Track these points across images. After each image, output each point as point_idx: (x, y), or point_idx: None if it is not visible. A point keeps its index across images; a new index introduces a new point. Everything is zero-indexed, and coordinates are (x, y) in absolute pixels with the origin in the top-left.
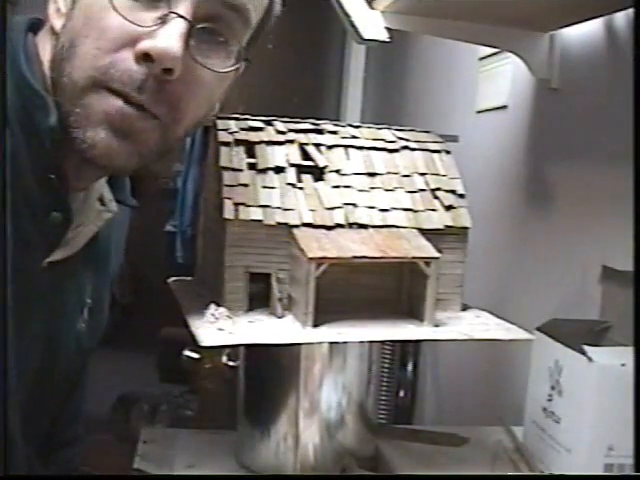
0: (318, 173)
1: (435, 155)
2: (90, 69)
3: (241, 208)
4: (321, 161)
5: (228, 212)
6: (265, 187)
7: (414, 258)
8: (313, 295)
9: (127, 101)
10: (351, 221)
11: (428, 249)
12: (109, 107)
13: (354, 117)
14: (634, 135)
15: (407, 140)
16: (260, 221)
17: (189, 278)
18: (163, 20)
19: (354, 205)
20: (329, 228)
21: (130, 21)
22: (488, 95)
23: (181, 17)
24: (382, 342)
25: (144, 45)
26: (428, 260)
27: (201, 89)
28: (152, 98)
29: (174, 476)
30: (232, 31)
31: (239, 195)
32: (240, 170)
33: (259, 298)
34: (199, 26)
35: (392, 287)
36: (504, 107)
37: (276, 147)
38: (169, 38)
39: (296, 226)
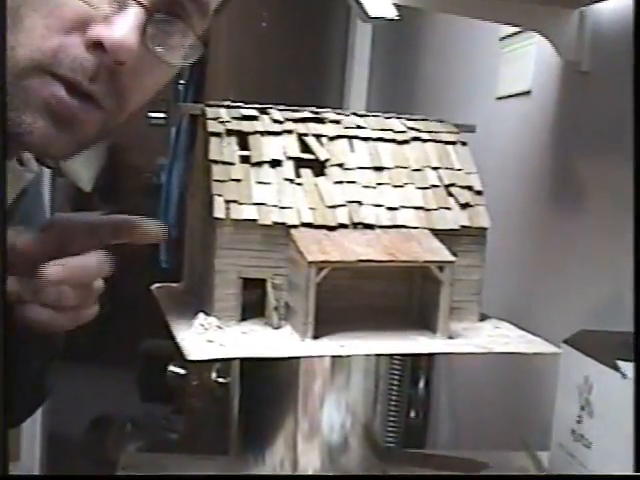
0: (319, 167)
1: (449, 147)
2: (36, 51)
3: (233, 206)
4: (322, 154)
5: (218, 210)
6: (260, 183)
7: (426, 262)
8: (313, 303)
9: (73, 90)
10: (356, 221)
11: (441, 252)
12: (52, 95)
13: (359, 105)
14: (634, 135)
15: (418, 130)
16: (254, 221)
17: (174, 284)
18: (120, 4)
19: (359, 203)
20: (331, 228)
21: (84, 1)
22: (510, 79)
23: (140, 4)
24: (390, 356)
25: (98, 33)
26: (442, 264)
27: (151, 78)
28: (102, 88)
29: (174, 476)
30: (189, 20)
31: (231, 191)
32: (232, 164)
33: (253, 306)
34: (157, 15)
35: (401, 294)
36: (527, 93)
37: (272, 138)
38: (126, 28)
39: (294, 226)
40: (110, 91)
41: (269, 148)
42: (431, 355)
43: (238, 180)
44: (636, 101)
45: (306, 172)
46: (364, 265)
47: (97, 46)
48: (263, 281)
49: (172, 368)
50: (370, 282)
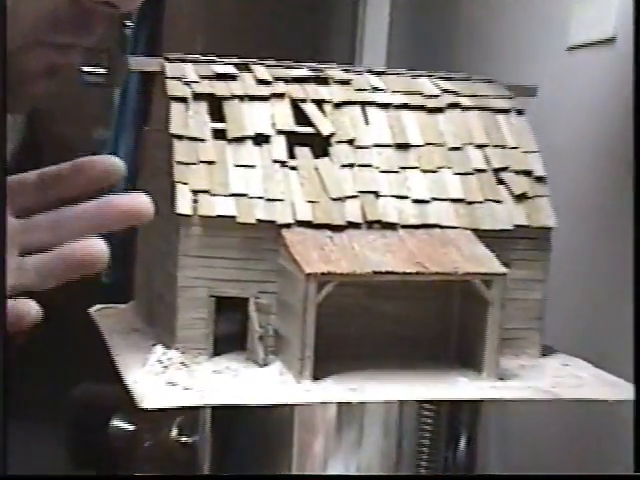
0: (321, 145)
1: (501, 117)
2: None
3: (202, 198)
4: (325, 126)
5: (182, 204)
6: (239, 166)
7: (467, 275)
8: (313, 331)
9: None
10: (371, 218)
11: (489, 261)
12: None
13: (376, 59)
14: (634, 135)
15: (457, 94)
16: (232, 218)
17: (121, 306)
18: None
19: (375, 194)
20: (337, 229)
21: None
22: (586, 23)
23: None
24: (419, 404)
25: None
26: (489, 278)
27: None
28: None
29: (174, 476)
30: None
31: (199, 178)
32: (201, 140)
33: (230, 336)
34: None
35: (433, 319)
36: (610, 41)
37: (256, 105)
38: None
39: (287, 225)
40: None
41: (252, 119)
42: (476, 403)
43: (210, 162)
44: (636, 101)
45: (303, 152)
46: (382, 279)
47: None
48: (244, 301)
49: (117, 422)
50: (391, 302)
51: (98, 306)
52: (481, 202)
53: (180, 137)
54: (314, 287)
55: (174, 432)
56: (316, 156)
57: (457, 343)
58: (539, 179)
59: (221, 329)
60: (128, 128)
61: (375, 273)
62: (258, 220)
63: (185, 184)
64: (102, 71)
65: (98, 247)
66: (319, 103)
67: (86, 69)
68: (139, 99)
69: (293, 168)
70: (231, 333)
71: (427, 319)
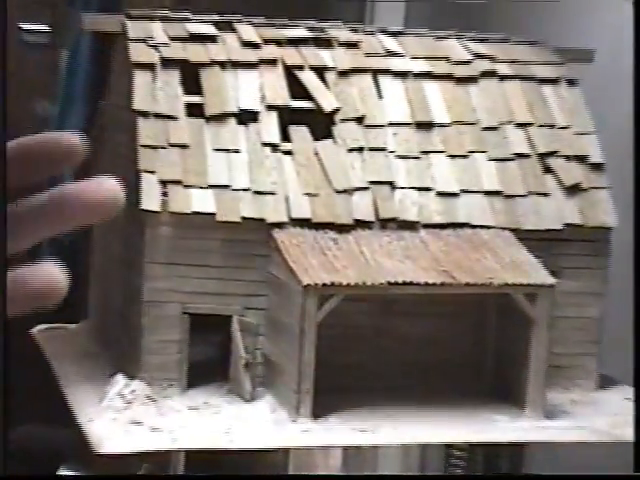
0: (323, 124)
1: (548, 88)
2: None
3: (174, 191)
4: (327, 101)
5: (149, 198)
6: (220, 150)
7: (506, 287)
8: (312, 357)
9: None
10: (385, 215)
11: (533, 270)
12: None
13: (392, 18)
14: (634, 135)
15: (493, 59)
16: (211, 215)
17: (71, 326)
18: None
19: (391, 185)
20: (343, 229)
21: None
22: None
23: None
24: (446, 448)
25: None
26: (533, 290)
27: None
28: None
29: (174, 476)
30: None
31: (170, 166)
32: (172, 117)
33: (209, 363)
34: None
35: (463, 342)
36: None
37: (241, 73)
38: None
39: (280, 225)
40: None
41: (236, 91)
42: (517, 447)
43: (183, 146)
44: (636, 101)
45: (300, 132)
46: (399, 292)
47: None
48: (226, 319)
49: (66, 471)
50: (410, 321)
51: (42, 326)
52: (523, 195)
53: (146, 114)
54: (314, 302)
55: None
56: (316, 138)
57: (493, 372)
58: (596, 167)
59: (197, 354)
60: (78, 102)
61: (390, 284)
62: (243, 218)
63: (152, 173)
64: (45, 29)
65: (57, 274)
66: (320, 71)
67: (25, 26)
68: (93, 66)
69: (287, 153)
70: (210, 359)
71: (455, 342)
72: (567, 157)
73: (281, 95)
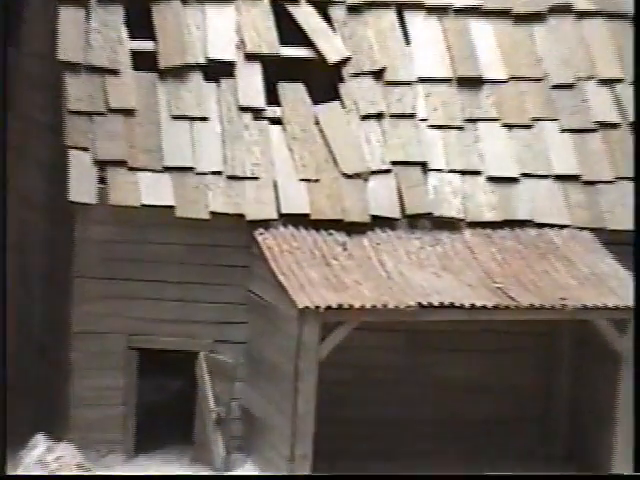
0: (325, 80)
1: None
2: None
3: (116, 174)
4: (333, 48)
5: (79, 185)
6: (180, 118)
7: (584, 311)
8: (312, 411)
9: None
10: (415, 210)
11: (622, 286)
12: None
13: None
14: (634, 135)
15: None
16: (169, 209)
17: None
18: None
19: (422, 167)
20: (355, 228)
21: None
22: None
23: None
24: None
25: None
26: (622, 316)
27: None
28: None
29: (175, 476)
30: None
31: (110, 140)
32: (112, 72)
33: (165, 420)
34: None
35: (524, 388)
36: None
37: (211, 10)
38: None
39: (266, 223)
40: None
41: (203, 33)
42: None
43: (128, 112)
44: (636, 100)
45: (294, 92)
46: (435, 318)
47: None
48: (190, 357)
49: None
50: (449, 359)
51: None
52: (609, 182)
53: (76, 66)
54: (314, 333)
55: None
56: (316, 100)
57: (567, 428)
58: None
59: (149, 407)
60: None
61: (422, 308)
62: (213, 214)
63: (84, 150)
64: None
65: None
66: (322, 5)
67: None
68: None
69: (276, 121)
70: (166, 414)
71: (513, 388)
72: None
73: (267, 39)
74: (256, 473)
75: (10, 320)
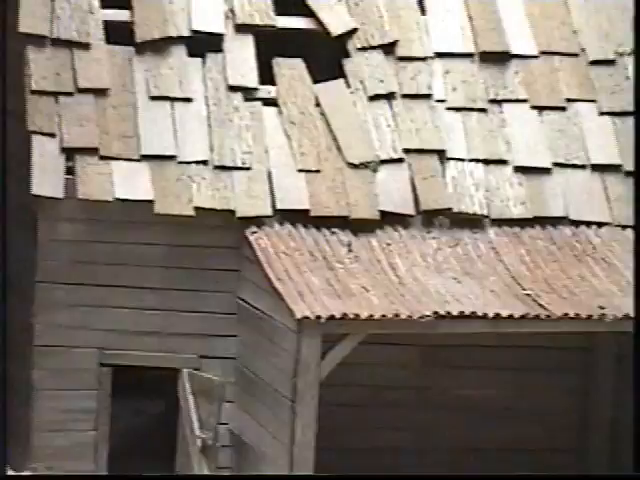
0: (328, 54)
1: None
2: None
3: (86, 164)
4: (336, 17)
5: (42, 177)
6: (160, 98)
7: (625, 321)
8: (312, 436)
9: None
10: (431, 205)
11: None
12: None
13: None
14: (634, 135)
15: None
16: (147, 203)
17: None
18: None
19: (439, 155)
20: (362, 226)
21: None
22: None
23: None
24: None
25: None
26: None
27: None
28: None
29: (176, 476)
30: None
31: (79, 124)
32: (83, 45)
33: (144, 446)
34: None
35: (557, 410)
36: None
37: None
38: None
39: (259, 220)
40: None
41: (187, 1)
42: None
43: (100, 91)
44: (636, 100)
45: (291, 69)
46: (454, 331)
47: None
48: (171, 375)
49: None
50: (471, 378)
51: None
52: None
53: (40, 40)
54: (315, 347)
55: None
56: (317, 78)
57: (607, 458)
58: None
59: (124, 433)
60: None
61: (440, 318)
62: (198, 209)
63: (49, 136)
64: None
65: None
66: None
67: None
68: None
69: (271, 102)
70: (145, 440)
71: (544, 410)
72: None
73: (260, 8)
74: None
75: None
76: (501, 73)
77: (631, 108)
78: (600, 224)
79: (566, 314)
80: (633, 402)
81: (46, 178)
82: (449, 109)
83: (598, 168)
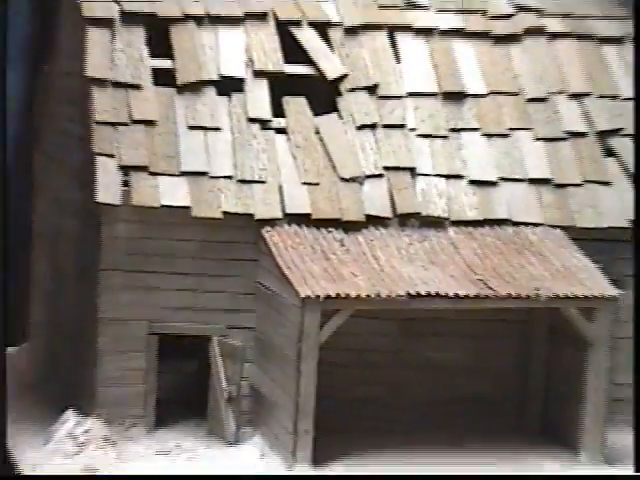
0: (325, 95)
1: (610, 49)
2: None
3: (138, 179)
4: (332, 65)
5: (106, 189)
6: (196, 128)
7: (556, 300)
8: (313, 389)
9: None
10: (405, 210)
11: (590, 278)
12: None
13: None
14: (634, 136)
15: (540, 12)
16: (185, 209)
17: (9, 349)
18: None
19: (411, 172)
20: (352, 226)
21: None
22: None
23: None
24: None
25: None
26: (591, 305)
27: None
28: None
29: (178, 476)
30: None
31: (133, 147)
32: (135, 86)
33: (182, 397)
34: None
35: (504, 369)
36: None
37: (223, 31)
38: None
39: (272, 221)
40: None
41: (216, 53)
42: None
43: (149, 122)
44: (636, 99)
45: (297, 105)
46: (423, 307)
47: None
48: (204, 342)
49: None
50: (436, 344)
51: None
52: (578, 185)
53: (102, 82)
54: (315, 319)
55: None
56: (317, 112)
57: (540, 406)
58: None
59: (168, 386)
60: (14, 66)
61: (411, 297)
62: (225, 213)
63: (110, 157)
64: None
65: None
66: (322, 28)
67: None
68: (34, 22)
69: (281, 131)
70: (183, 392)
71: (493, 370)
72: (634, 136)
73: (273, 58)
74: (263, 445)
75: (44, 311)
76: (458, 108)
77: (559, 135)
78: (535, 224)
79: (509, 294)
80: (633, 402)
81: (107, 189)
82: (419, 136)
83: (534, 181)
